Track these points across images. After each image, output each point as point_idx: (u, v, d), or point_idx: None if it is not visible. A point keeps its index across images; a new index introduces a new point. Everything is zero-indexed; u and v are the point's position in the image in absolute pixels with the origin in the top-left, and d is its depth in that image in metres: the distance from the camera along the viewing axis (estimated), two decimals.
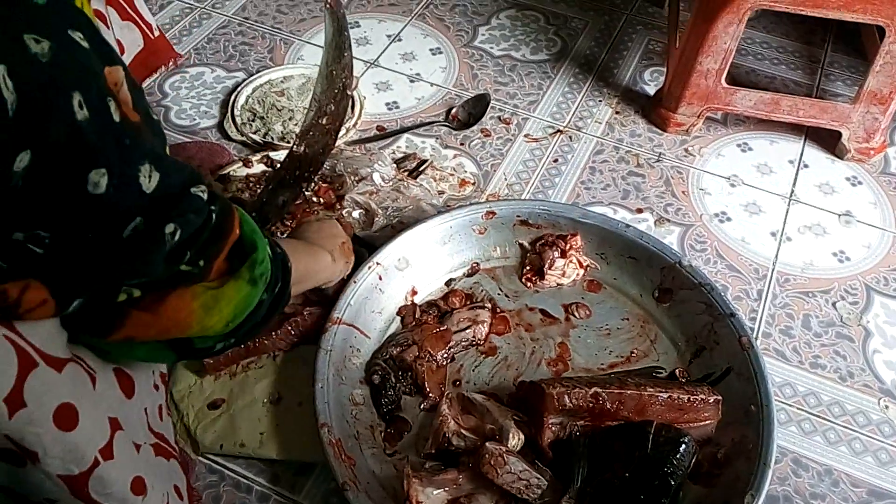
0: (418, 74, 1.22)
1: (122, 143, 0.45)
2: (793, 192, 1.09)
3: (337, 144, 1.06)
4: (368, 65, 1.23)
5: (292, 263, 0.67)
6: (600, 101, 1.20)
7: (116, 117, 0.45)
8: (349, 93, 0.96)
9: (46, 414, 0.50)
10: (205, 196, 0.53)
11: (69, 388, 0.53)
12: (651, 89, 1.22)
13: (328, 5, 0.86)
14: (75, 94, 0.42)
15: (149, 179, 0.47)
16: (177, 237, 0.50)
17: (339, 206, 0.99)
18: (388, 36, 1.28)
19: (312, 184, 1.00)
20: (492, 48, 1.28)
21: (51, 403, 0.51)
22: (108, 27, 0.93)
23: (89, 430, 0.54)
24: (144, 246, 0.48)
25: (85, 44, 0.44)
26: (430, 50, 1.27)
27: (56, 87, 0.41)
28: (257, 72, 1.18)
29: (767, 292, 0.97)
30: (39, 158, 0.41)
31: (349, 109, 1.12)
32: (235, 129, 1.10)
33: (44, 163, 0.41)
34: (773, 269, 0.99)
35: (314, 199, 1.00)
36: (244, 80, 1.17)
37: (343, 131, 1.07)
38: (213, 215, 0.54)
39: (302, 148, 0.94)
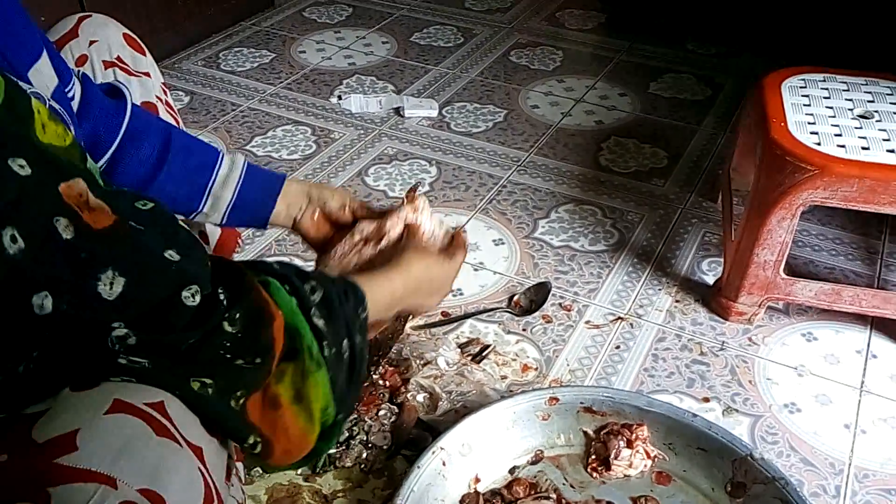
0: (482, 263, 1.28)
1: (74, 259, 0.45)
2: (863, 382, 1.07)
3: (404, 330, 1.11)
4: None
5: (369, 307, 0.69)
6: (660, 289, 1.23)
7: (68, 234, 0.45)
8: None
9: None
10: (195, 301, 0.51)
11: None
12: (710, 279, 1.25)
13: (406, 197, 0.94)
14: (6, 230, 0.42)
15: (110, 286, 0.46)
16: (173, 347, 0.49)
17: (404, 390, 1.02)
18: (454, 228, 1.36)
19: (380, 367, 1.03)
20: (551, 239, 1.34)
21: None
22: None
23: None
24: (152, 353, 0.48)
25: (26, 170, 0.44)
26: (493, 241, 1.33)
27: None
28: None
29: (846, 489, 0.93)
30: None
31: None
32: None
33: None
34: (849, 464, 0.96)
35: (380, 381, 1.03)
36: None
37: (409, 317, 1.12)
38: (227, 323, 0.52)
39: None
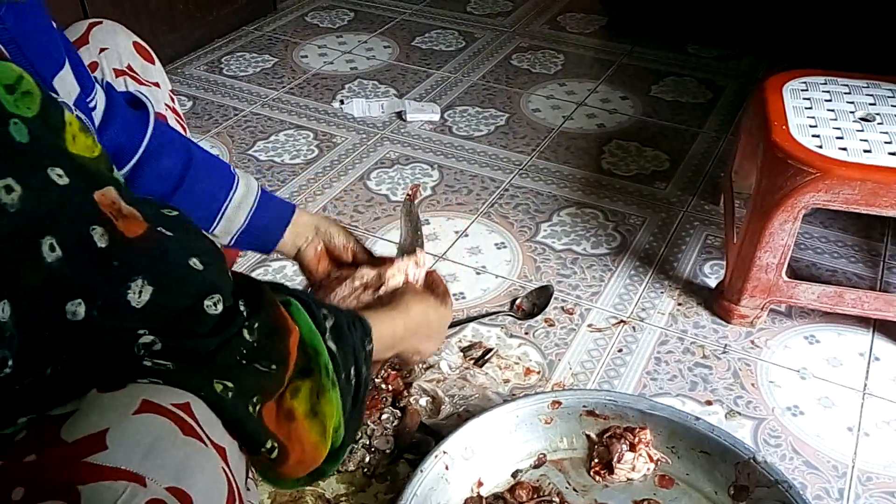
0: (484, 267, 1.28)
1: (106, 267, 0.46)
2: (866, 385, 1.07)
3: None
4: (437, 258, 1.30)
5: (373, 343, 0.71)
6: (662, 292, 1.23)
7: (102, 243, 0.46)
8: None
9: None
10: (217, 310, 0.52)
11: None
12: (712, 282, 1.25)
13: (406, 201, 0.94)
14: (45, 239, 0.43)
15: (138, 294, 0.47)
16: (197, 352, 0.51)
17: (406, 394, 1.02)
18: (456, 232, 1.37)
19: (382, 371, 1.03)
20: (554, 242, 1.34)
21: None
22: None
23: None
24: (173, 359, 0.49)
25: (64, 179, 0.45)
26: (495, 244, 1.34)
27: (23, 238, 0.42)
28: None
29: (849, 492, 0.92)
30: (19, 304, 0.43)
31: None
32: None
33: (24, 306, 0.43)
34: (853, 467, 0.96)
35: (383, 385, 1.03)
36: None
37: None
38: (246, 331, 0.54)
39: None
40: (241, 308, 0.54)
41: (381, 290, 0.88)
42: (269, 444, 0.56)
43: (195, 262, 0.51)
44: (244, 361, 0.53)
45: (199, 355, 0.51)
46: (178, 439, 0.47)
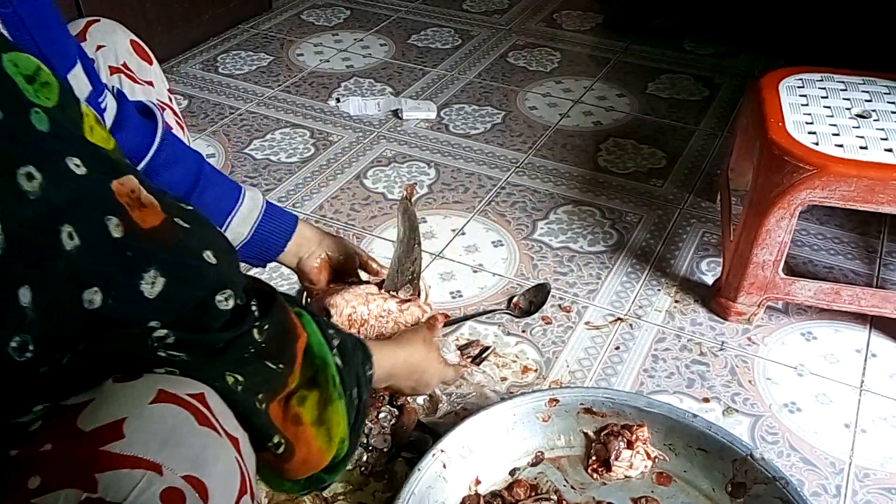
0: (481, 265, 1.28)
1: (121, 257, 0.47)
2: (863, 382, 1.07)
3: None
4: (434, 256, 1.30)
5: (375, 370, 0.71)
6: (659, 290, 1.23)
7: (117, 233, 0.46)
8: (417, 283, 1.01)
9: None
10: (228, 306, 0.53)
11: None
12: (709, 279, 1.25)
13: (402, 200, 0.95)
14: (64, 228, 0.44)
15: (151, 285, 0.48)
16: (207, 348, 0.51)
17: None
18: (453, 230, 1.37)
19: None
20: (550, 240, 1.34)
21: None
22: None
23: None
24: (185, 350, 0.50)
25: (82, 169, 0.45)
26: (492, 242, 1.33)
27: (43, 225, 0.43)
28: None
29: (847, 488, 0.93)
30: (39, 290, 0.43)
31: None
32: None
33: (44, 292, 0.43)
34: (850, 463, 0.96)
35: None
36: None
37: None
38: (256, 332, 0.54)
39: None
40: (254, 308, 0.55)
41: (391, 324, 0.92)
42: (276, 440, 0.56)
43: (209, 256, 0.52)
44: (252, 358, 0.54)
45: (211, 348, 0.52)
46: (194, 429, 0.47)
